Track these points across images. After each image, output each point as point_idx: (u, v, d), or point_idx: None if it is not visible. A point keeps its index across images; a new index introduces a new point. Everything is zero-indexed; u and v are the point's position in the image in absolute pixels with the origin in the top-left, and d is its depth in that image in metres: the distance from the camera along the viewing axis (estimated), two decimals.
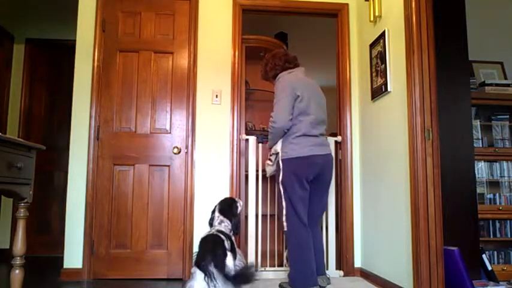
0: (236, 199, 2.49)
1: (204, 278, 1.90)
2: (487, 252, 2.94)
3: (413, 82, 2.29)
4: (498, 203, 3.16)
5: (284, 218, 2.40)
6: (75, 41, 3.05)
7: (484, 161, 3.21)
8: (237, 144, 3.07)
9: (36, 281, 2.77)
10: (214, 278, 1.89)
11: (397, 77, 2.52)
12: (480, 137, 3.21)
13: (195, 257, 2.02)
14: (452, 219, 2.52)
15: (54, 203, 3.88)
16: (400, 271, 2.42)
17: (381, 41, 2.71)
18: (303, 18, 4.02)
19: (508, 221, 3.18)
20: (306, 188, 2.40)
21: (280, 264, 3.01)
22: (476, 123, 3.20)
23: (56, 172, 3.90)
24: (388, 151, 2.63)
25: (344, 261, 3.07)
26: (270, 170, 2.62)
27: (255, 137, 3.08)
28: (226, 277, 1.89)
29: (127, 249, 2.91)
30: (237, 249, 2.23)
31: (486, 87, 3.23)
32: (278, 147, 2.46)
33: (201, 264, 1.93)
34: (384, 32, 2.67)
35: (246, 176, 3.11)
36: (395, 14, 2.57)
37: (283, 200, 2.41)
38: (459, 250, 2.29)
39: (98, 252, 2.88)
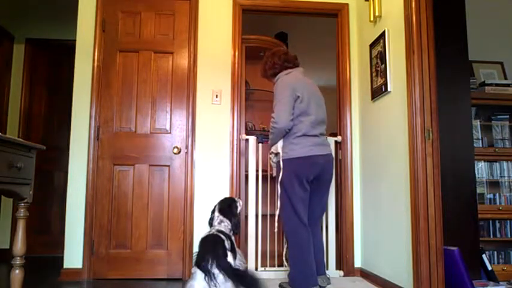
0: (236, 199, 2.49)
1: (205, 278, 1.90)
2: (487, 252, 2.93)
3: (413, 82, 2.29)
4: (498, 203, 3.16)
5: (284, 218, 2.40)
6: (75, 41, 3.05)
7: (484, 161, 3.21)
8: (237, 144, 3.07)
9: (36, 281, 2.77)
10: (214, 278, 1.90)
11: (397, 77, 2.52)
12: (480, 137, 3.21)
13: (195, 257, 2.02)
14: (452, 219, 2.52)
15: (54, 203, 3.88)
16: (400, 271, 2.42)
17: (381, 41, 2.72)
18: (303, 18, 4.02)
19: (508, 221, 3.18)
20: (306, 188, 2.40)
21: (280, 264, 3.01)
22: (476, 123, 3.20)
23: (56, 172, 3.90)
24: (388, 151, 2.63)
25: (344, 261, 3.08)
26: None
27: (255, 137, 3.08)
28: (227, 274, 1.89)
29: (127, 249, 2.91)
30: (237, 249, 2.23)
31: (486, 87, 3.23)
32: (279, 147, 2.46)
33: (201, 264, 1.93)
34: (384, 32, 2.67)
35: (246, 176, 3.11)
36: (395, 14, 2.57)
37: (283, 200, 2.41)
38: (459, 250, 2.29)
39: (98, 252, 2.88)
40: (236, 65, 3.13)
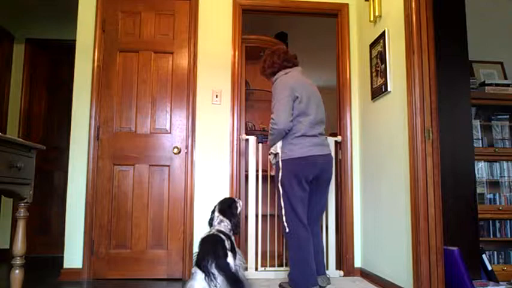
0: (236, 199, 2.49)
1: (205, 278, 1.90)
2: (487, 252, 2.93)
3: (413, 82, 2.28)
4: (498, 203, 3.16)
5: (284, 219, 2.40)
6: (75, 41, 3.05)
7: (484, 161, 3.21)
8: (237, 144, 3.07)
9: (36, 281, 2.77)
10: (214, 278, 1.90)
11: (397, 77, 2.52)
12: (480, 137, 3.21)
13: (196, 257, 2.02)
14: (452, 219, 2.52)
15: (54, 203, 3.88)
16: (400, 271, 2.42)
17: (381, 41, 2.71)
18: (303, 18, 4.02)
19: (508, 221, 3.18)
20: (306, 189, 2.40)
21: (280, 264, 3.01)
22: (476, 123, 3.20)
23: (56, 172, 3.91)
24: (388, 151, 2.63)
25: (344, 261, 3.07)
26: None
27: (255, 137, 3.08)
28: (225, 276, 1.90)
29: (127, 249, 2.91)
30: (237, 249, 2.23)
31: (486, 87, 3.23)
32: (278, 147, 2.46)
33: (201, 264, 1.93)
34: (384, 32, 2.67)
35: (246, 176, 3.11)
36: (395, 14, 2.57)
37: (282, 200, 2.41)
38: (459, 250, 2.29)
39: (98, 252, 2.88)
40: (236, 65, 3.13)
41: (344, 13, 3.30)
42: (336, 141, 3.19)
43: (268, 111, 2.57)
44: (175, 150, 3.01)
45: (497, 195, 3.18)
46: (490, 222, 3.17)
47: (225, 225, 2.27)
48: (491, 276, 2.64)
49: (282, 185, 2.40)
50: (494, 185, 3.22)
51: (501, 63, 3.58)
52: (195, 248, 2.59)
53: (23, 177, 1.82)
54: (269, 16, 3.97)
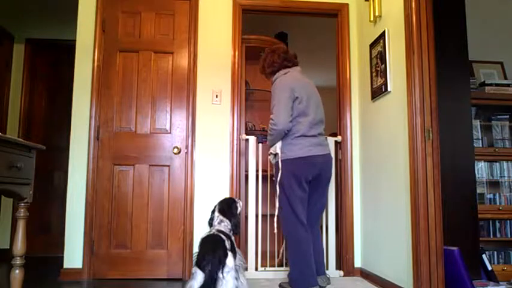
0: (236, 199, 2.48)
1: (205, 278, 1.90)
2: (487, 252, 2.93)
3: (413, 82, 2.28)
4: (498, 203, 3.16)
5: (284, 219, 2.40)
6: (75, 41, 3.05)
7: (484, 161, 3.20)
8: (237, 144, 3.07)
9: (36, 281, 2.77)
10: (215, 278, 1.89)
11: (397, 77, 2.52)
12: (480, 137, 3.21)
13: (196, 257, 2.02)
14: (452, 220, 2.52)
15: (54, 203, 3.88)
16: (400, 271, 2.42)
17: (381, 41, 2.71)
18: (303, 18, 4.01)
19: (508, 221, 3.18)
20: (305, 189, 2.40)
21: (280, 264, 3.01)
22: (476, 123, 3.20)
23: (56, 172, 3.91)
24: (388, 151, 2.63)
25: (344, 261, 3.07)
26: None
27: (255, 137, 3.08)
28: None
29: (127, 249, 2.91)
30: (237, 249, 2.23)
31: (486, 87, 3.23)
32: (277, 147, 2.46)
33: (201, 264, 1.93)
34: (384, 32, 2.67)
35: (246, 176, 3.11)
36: (395, 14, 2.57)
37: (282, 200, 2.41)
38: (459, 250, 2.29)
39: (98, 252, 2.88)
40: (236, 65, 3.13)
41: (344, 13, 3.30)
42: (335, 141, 3.19)
43: (268, 111, 2.57)
44: (175, 150, 3.01)
45: (497, 195, 3.18)
46: (490, 222, 3.16)
47: (225, 225, 2.27)
48: (491, 276, 2.64)
49: (281, 185, 2.40)
50: (494, 185, 3.22)
51: (501, 63, 3.58)
52: (195, 248, 2.60)
53: (23, 177, 1.82)
54: (269, 16, 3.97)
